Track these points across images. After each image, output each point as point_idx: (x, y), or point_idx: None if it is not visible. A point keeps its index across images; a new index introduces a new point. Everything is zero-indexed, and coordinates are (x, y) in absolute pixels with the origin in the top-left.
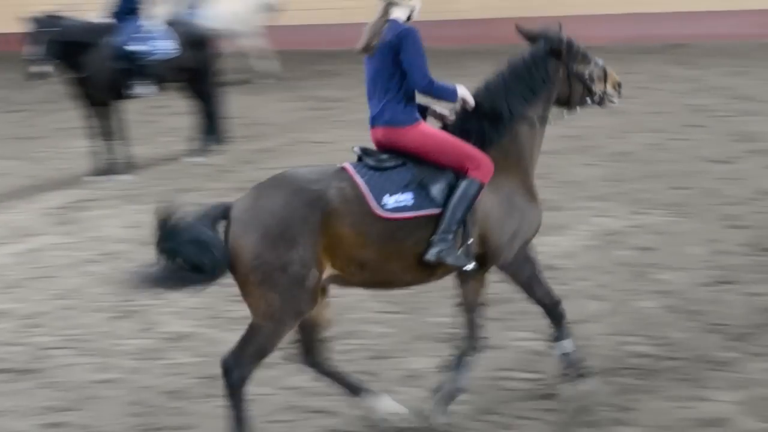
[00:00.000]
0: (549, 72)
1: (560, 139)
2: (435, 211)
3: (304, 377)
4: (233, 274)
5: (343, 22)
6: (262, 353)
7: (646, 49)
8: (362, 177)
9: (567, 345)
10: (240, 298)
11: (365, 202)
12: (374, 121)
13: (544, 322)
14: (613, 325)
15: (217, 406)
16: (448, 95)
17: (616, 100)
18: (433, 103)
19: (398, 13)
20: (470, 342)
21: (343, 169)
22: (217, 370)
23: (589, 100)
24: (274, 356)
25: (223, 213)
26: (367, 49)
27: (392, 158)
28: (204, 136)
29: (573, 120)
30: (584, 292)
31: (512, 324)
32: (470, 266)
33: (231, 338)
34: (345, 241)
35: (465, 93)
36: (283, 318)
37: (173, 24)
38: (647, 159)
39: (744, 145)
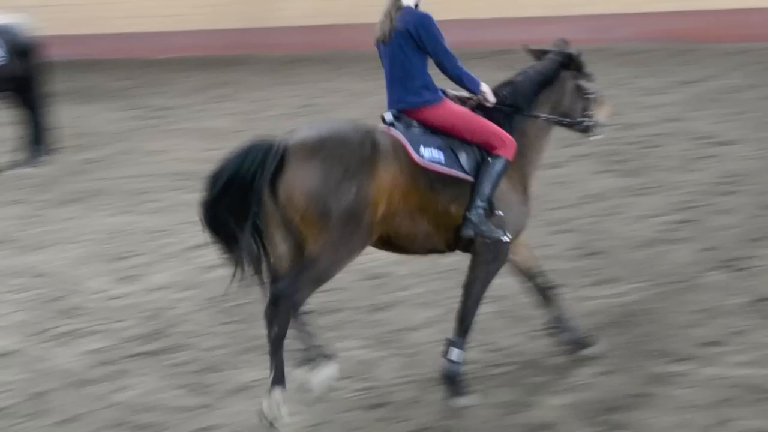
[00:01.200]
0: (559, 80)
1: None
2: (465, 176)
3: (132, 393)
4: (289, 206)
5: (173, 30)
6: (317, 282)
7: (473, 54)
8: (398, 131)
9: (454, 353)
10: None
11: (406, 151)
12: (395, 105)
13: (374, 331)
14: (443, 332)
15: (44, 425)
16: (473, 86)
17: (602, 133)
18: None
19: (408, 1)
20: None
21: (376, 127)
22: (45, 387)
23: (583, 119)
24: (98, 374)
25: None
26: (382, 37)
27: (421, 126)
28: (31, 146)
29: None
30: (413, 299)
31: (343, 333)
32: (507, 237)
33: (59, 354)
34: (395, 183)
35: (486, 89)
36: (340, 251)
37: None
38: None
39: (570, 149)
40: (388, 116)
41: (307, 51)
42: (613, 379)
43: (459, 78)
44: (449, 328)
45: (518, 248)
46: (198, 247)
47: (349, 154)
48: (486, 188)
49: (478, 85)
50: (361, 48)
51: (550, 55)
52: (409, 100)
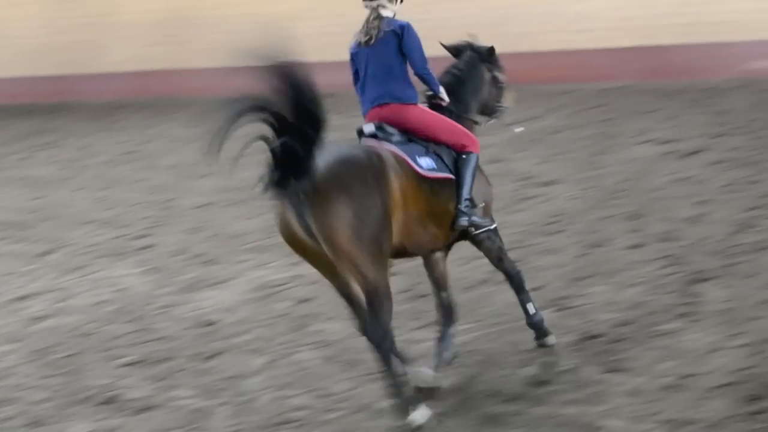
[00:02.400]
0: (480, 76)
1: (217, 192)
2: (451, 176)
3: None
4: (333, 250)
5: None
6: (390, 306)
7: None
8: (391, 145)
9: (531, 307)
10: None
11: (408, 164)
12: (380, 99)
13: (205, 380)
14: (274, 379)
15: None
16: (436, 87)
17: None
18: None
19: (387, 13)
20: (451, 314)
21: (368, 143)
22: None
23: (498, 108)
24: None
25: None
26: (368, 41)
27: (399, 134)
28: None
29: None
30: (244, 346)
31: (174, 383)
32: (494, 225)
33: None
34: (405, 193)
35: (442, 90)
36: (383, 270)
37: None
38: None
39: None
40: (369, 128)
41: (132, 97)
42: (447, 421)
43: (426, 77)
44: (281, 374)
45: (437, 262)
46: (23, 298)
47: (364, 177)
48: (468, 183)
49: (438, 86)
50: (186, 93)
51: (468, 53)
52: (395, 95)
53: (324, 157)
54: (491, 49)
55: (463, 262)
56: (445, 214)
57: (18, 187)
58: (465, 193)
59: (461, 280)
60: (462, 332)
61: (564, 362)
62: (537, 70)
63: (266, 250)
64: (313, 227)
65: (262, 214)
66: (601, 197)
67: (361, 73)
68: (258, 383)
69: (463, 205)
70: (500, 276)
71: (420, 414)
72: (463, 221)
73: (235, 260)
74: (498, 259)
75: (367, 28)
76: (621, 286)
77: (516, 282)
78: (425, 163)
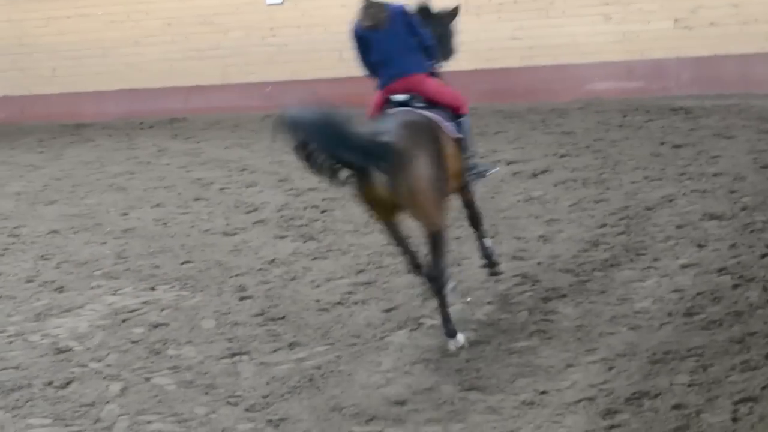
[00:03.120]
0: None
1: (65, 218)
2: (461, 135)
3: None
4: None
5: None
6: (448, 249)
7: (145, 124)
8: (425, 111)
9: (487, 241)
10: None
11: (443, 127)
12: (402, 73)
13: (60, 407)
14: (131, 405)
15: None
16: (437, 54)
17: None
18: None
19: None
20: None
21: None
22: None
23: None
24: None
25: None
26: (378, 24)
27: (418, 100)
28: None
29: (76, 197)
30: (100, 373)
31: (28, 411)
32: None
33: None
34: (449, 152)
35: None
36: (444, 215)
37: None
38: (153, 234)
39: (248, 216)
40: (400, 97)
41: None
42: None
43: (432, 47)
44: (138, 400)
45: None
46: None
47: (430, 139)
48: (470, 140)
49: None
50: (30, 120)
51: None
52: (418, 68)
53: (394, 125)
54: (456, 10)
55: (318, 284)
56: (464, 170)
57: None
58: (470, 149)
59: (317, 302)
60: (319, 354)
61: (422, 381)
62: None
63: (118, 276)
64: (400, 183)
65: (110, 239)
66: (452, 217)
67: (374, 54)
68: (115, 409)
69: (473, 159)
70: (357, 296)
71: (461, 337)
72: (479, 169)
73: (87, 287)
74: (473, 202)
75: (370, 15)
76: (475, 305)
77: (480, 218)
78: (450, 126)
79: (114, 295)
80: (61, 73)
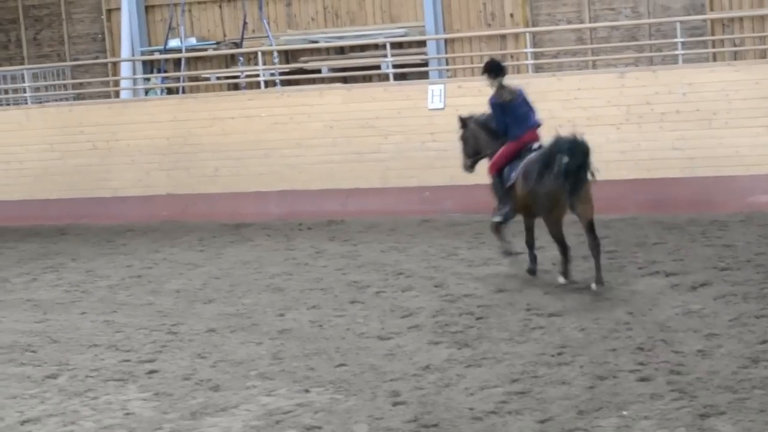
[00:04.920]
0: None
1: (222, 317)
2: None
3: None
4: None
5: None
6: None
7: (304, 225)
8: None
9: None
10: None
11: None
12: (532, 127)
13: None
14: None
15: None
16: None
17: None
18: None
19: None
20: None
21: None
22: None
23: None
24: None
25: None
26: (513, 98)
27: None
28: None
29: (234, 297)
30: None
31: None
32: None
33: None
34: None
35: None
36: None
37: None
38: (309, 336)
39: (403, 320)
40: (536, 144)
41: (136, 221)
42: None
43: (536, 113)
44: None
45: None
46: (28, 421)
47: None
48: None
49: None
50: (189, 218)
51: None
52: (537, 125)
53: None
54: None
55: (472, 392)
56: None
57: (24, 309)
58: None
59: (471, 410)
60: None
61: None
62: None
63: (273, 377)
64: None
65: (266, 339)
66: (609, 329)
67: (510, 117)
68: None
69: None
70: (511, 406)
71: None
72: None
73: (242, 386)
74: None
75: (508, 92)
76: (631, 419)
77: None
78: None
79: (269, 395)
80: (223, 173)
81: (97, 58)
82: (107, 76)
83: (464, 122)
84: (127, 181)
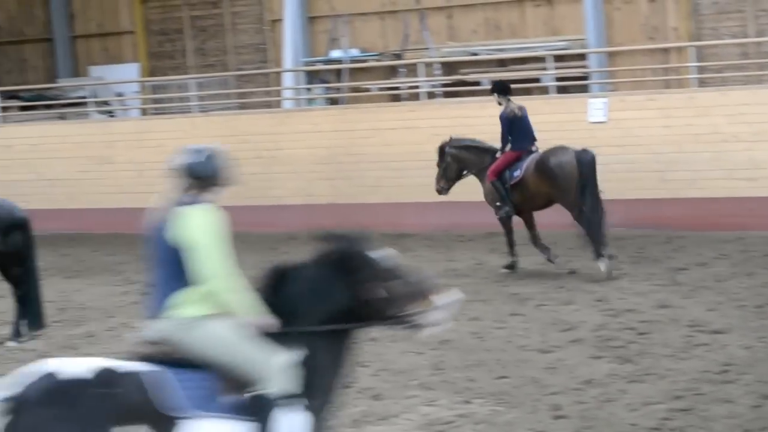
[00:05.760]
0: None
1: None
2: None
3: None
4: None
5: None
6: None
7: (464, 237)
8: None
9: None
10: None
11: None
12: (533, 139)
13: None
14: None
15: None
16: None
17: None
18: None
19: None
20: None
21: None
22: None
23: None
24: None
25: None
26: (520, 114)
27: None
28: (20, 320)
29: None
30: None
31: None
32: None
33: None
34: None
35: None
36: None
37: None
38: (470, 347)
39: (564, 334)
40: (534, 148)
41: (299, 229)
42: None
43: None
44: None
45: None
46: None
47: None
48: None
49: None
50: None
51: None
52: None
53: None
54: None
55: (635, 408)
56: None
57: None
58: None
59: (633, 426)
60: None
61: None
62: (704, 217)
63: (434, 387)
64: None
65: (427, 350)
66: None
67: (516, 129)
68: None
69: None
70: (674, 423)
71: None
72: None
73: (403, 396)
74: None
75: (516, 107)
76: None
77: None
78: None
79: (429, 405)
80: (384, 183)
81: (259, 67)
82: (267, 85)
83: (442, 150)
84: (289, 190)
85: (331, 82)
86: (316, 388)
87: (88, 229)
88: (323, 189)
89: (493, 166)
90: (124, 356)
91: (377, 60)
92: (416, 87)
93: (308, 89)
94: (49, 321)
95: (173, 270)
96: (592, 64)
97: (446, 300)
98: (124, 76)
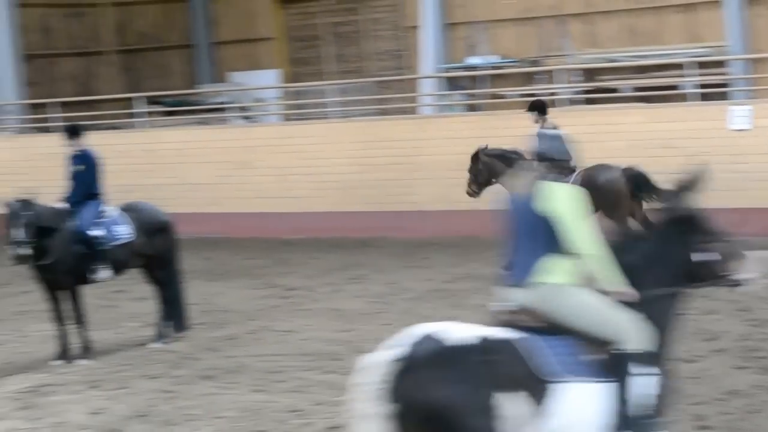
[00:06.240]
0: None
1: None
2: None
3: None
4: None
5: (304, 211)
6: None
7: None
8: None
9: None
10: None
11: None
12: None
13: None
14: None
15: None
16: None
17: None
18: None
19: None
20: None
21: None
22: None
23: None
24: None
25: None
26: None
27: None
28: (163, 322)
29: None
30: None
31: None
32: None
33: None
34: None
35: None
36: None
37: (130, 209)
38: None
39: (707, 344)
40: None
41: (437, 235)
42: None
43: None
44: None
45: None
46: (331, 429)
47: None
48: None
49: None
50: (491, 234)
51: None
52: None
53: None
54: None
55: None
56: None
57: (325, 319)
58: None
59: None
60: None
61: None
62: None
63: None
64: None
65: None
66: None
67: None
68: None
69: None
70: None
71: None
72: None
73: None
74: None
75: (551, 126)
76: None
77: None
78: None
79: None
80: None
81: (396, 74)
82: (403, 91)
83: (476, 156)
84: (428, 196)
85: (468, 88)
86: (658, 350)
87: (229, 233)
88: (462, 195)
89: None
90: (490, 324)
91: (516, 66)
92: (554, 93)
93: (446, 95)
94: (192, 323)
95: (539, 240)
96: (735, 71)
97: (759, 257)
98: (263, 82)
